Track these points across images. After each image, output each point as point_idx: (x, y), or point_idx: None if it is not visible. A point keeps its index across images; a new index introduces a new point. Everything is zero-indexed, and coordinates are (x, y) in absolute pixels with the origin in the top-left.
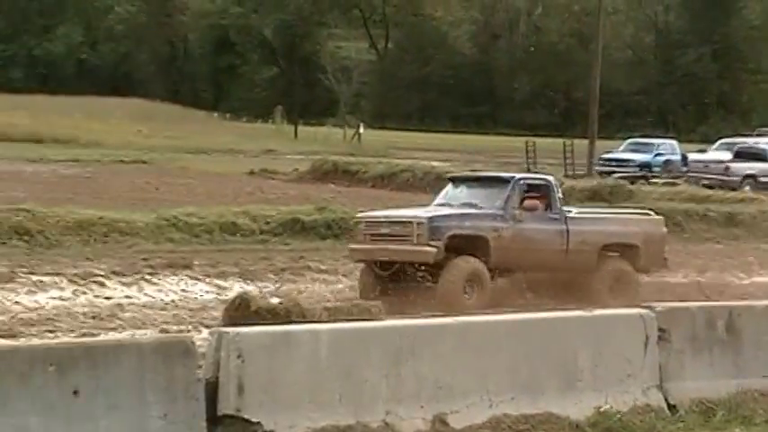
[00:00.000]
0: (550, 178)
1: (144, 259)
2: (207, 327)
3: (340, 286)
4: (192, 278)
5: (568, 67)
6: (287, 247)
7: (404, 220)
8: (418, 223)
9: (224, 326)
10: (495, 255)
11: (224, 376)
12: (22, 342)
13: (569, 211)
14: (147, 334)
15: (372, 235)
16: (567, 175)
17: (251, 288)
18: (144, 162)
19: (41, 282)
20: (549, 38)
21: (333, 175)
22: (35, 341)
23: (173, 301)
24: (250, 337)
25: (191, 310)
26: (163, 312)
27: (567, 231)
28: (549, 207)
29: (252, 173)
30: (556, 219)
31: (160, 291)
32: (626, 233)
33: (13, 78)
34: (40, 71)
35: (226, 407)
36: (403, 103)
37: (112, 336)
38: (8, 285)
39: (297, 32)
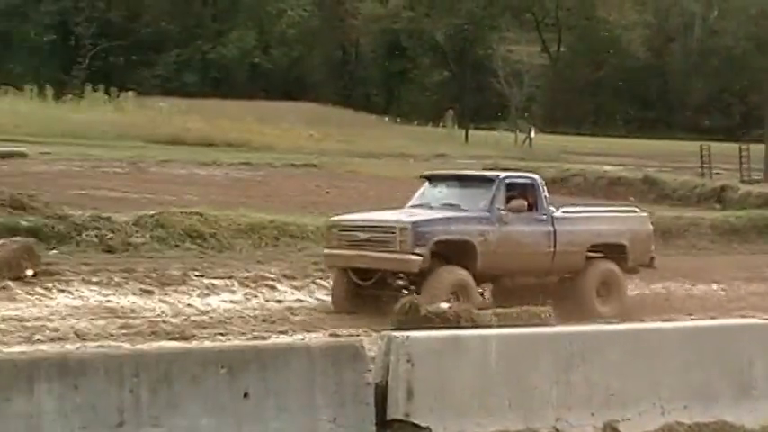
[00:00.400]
0: (536, 177)
1: (314, 263)
2: (376, 331)
3: None
4: None
5: (744, 71)
6: None
7: (385, 225)
8: (401, 229)
9: (393, 330)
10: (482, 260)
11: (393, 380)
12: (194, 344)
13: (555, 211)
14: (317, 337)
15: (349, 240)
16: (743, 181)
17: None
18: (314, 166)
19: (213, 284)
20: (724, 41)
21: None
22: (207, 344)
23: None
24: (419, 341)
25: (358, 314)
26: (333, 316)
27: (554, 232)
28: (535, 207)
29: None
30: (542, 220)
31: (330, 294)
32: (613, 232)
33: (188, 83)
34: (213, 75)
35: (395, 411)
36: (575, 107)
37: (283, 339)
38: (181, 288)
39: (468, 36)
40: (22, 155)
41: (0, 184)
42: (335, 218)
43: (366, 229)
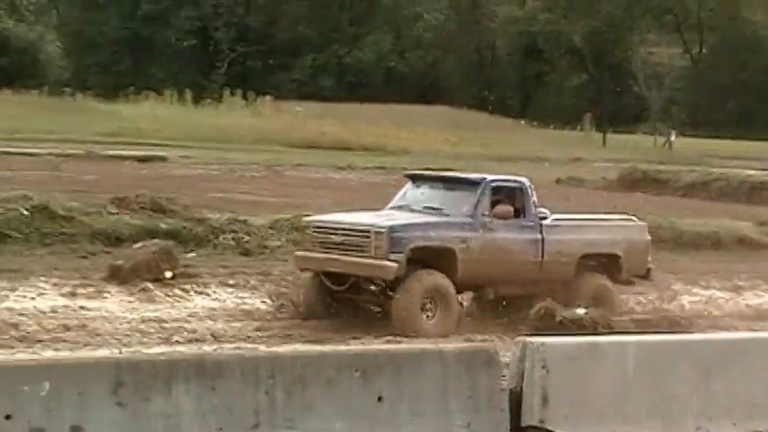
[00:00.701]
0: (524, 180)
1: None
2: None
3: (651, 297)
4: None
5: None
6: None
7: (360, 228)
8: (377, 233)
9: (528, 336)
10: (463, 268)
11: (528, 387)
12: (328, 348)
13: (545, 218)
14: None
15: (323, 243)
16: None
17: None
18: (450, 170)
19: None
20: None
21: (641, 184)
22: (341, 347)
23: None
24: (555, 347)
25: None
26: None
27: (543, 240)
28: (522, 213)
29: (558, 181)
30: (530, 227)
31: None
32: (606, 242)
33: (324, 87)
34: (349, 79)
35: (530, 418)
36: (717, 110)
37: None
38: None
39: (607, 39)
40: (162, 158)
41: (140, 188)
42: (310, 218)
43: (340, 231)
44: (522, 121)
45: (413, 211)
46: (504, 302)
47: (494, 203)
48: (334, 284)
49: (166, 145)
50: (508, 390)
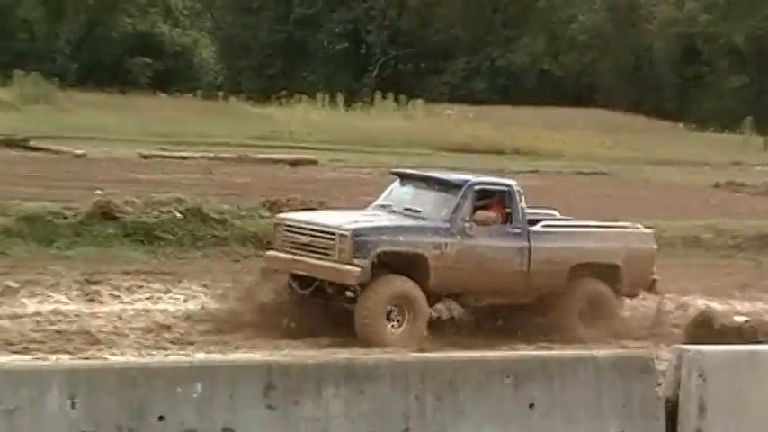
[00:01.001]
0: (512, 183)
1: None
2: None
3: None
4: None
5: None
6: (753, 264)
7: (326, 229)
8: (341, 235)
9: (685, 343)
10: (436, 276)
11: (684, 395)
12: (478, 354)
13: (534, 224)
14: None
15: (292, 243)
16: None
17: (715, 305)
18: (604, 174)
19: None
20: None
21: None
22: (491, 353)
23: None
24: (712, 355)
25: (644, 326)
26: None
27: (529, 249)
28: (509, 219)
29: (717, 185)
30: (516, 234)
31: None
32: (603, 251)
33: (476, 90)
34: (502, 82)
35: (686, 427)
36: None
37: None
38: None
39: None
40: (313, 162)
41: (292, 191)
42: (281, 215)
43: (307, 231)
44: (681, 125)
45: (393, 212)
46: (498, 312)
47: (480, 208)
48: (300, 287)
49: (318, 148)
50: (663, 398)
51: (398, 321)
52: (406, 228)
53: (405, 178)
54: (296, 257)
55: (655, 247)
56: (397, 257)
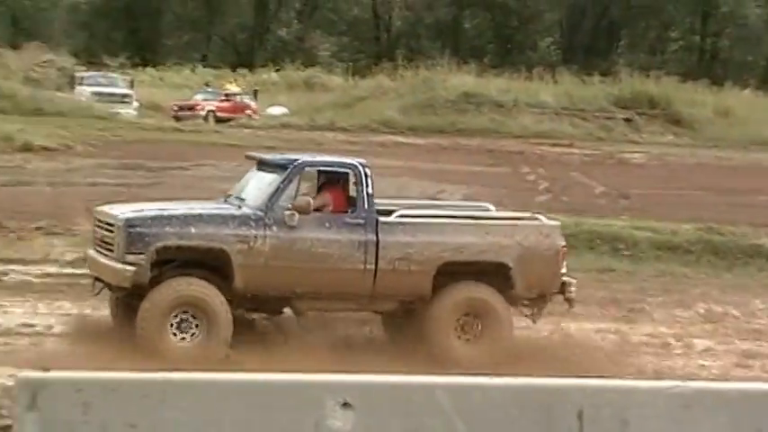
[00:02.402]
0: (356, 164)
1: None
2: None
3: None
4: None
5: None
6: None
7: (108, 221)
8: (117, 227)
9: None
10: (244, 276)
11: None
12: None
13: (388, 213)
14: None
15: (94, 238)
16: None
17: None
18: None
19: None
20: None
21: None
22: None
23: None
24: None
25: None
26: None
27: (376, 243)
28: (351, 207)
29: None
30: (358, 225)
31: None
32: (485, 247)
33: None
34: None
35: None
36: None
37: None
38: None
39: None
40: None
41: None
42: (98, 207)
43: (99, 224)
44: None
45: (226, 200)
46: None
47: (317, 193)
48: (111, 290)
49: None
50: None
51: (187, 333)
52: (200, 217)
53: (254, 161)
54: (93, 256)
55: (561, 243)
56: (190, 253)
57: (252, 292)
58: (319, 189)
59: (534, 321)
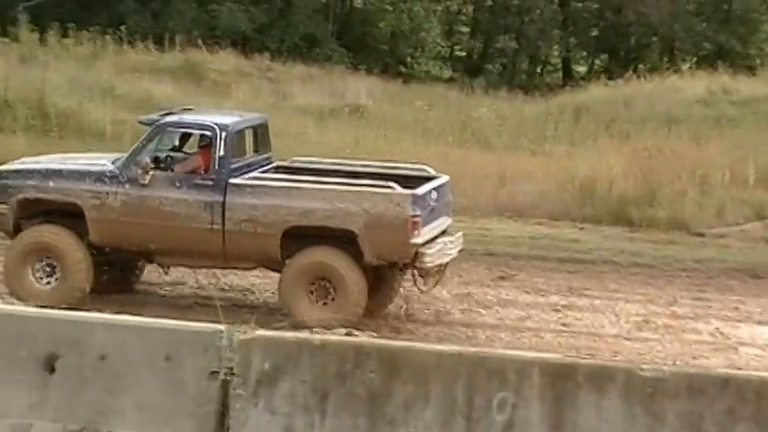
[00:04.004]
0: (216, 125)
1: None
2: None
3: None
4: None
5: None
6: None
7: None
8: None
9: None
10: (98, 230)
11: None
12: None
13: (241, 175)
14: None
15: None
16: None
17: None
18: None
19: None
20: None
21: None
22: None
23: None
24: None
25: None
26: None
27: (223, 205)
28: (206, 168)
29: None
30: (207, 185)
31: None
32: (331, 212)
33: None
34: None
35: None
36: None
37: None
38: None
39: None
40: None
41: None
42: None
43: None
44: None
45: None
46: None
47: (182, 152)
48: None
49: None
50: None
51: (50, 278)
52: (60, 172)
53: None
54: None
55: (410, 212)
56: (48, 206)
57: (107, 245)
58: (181, 148)
59: (422, 292)
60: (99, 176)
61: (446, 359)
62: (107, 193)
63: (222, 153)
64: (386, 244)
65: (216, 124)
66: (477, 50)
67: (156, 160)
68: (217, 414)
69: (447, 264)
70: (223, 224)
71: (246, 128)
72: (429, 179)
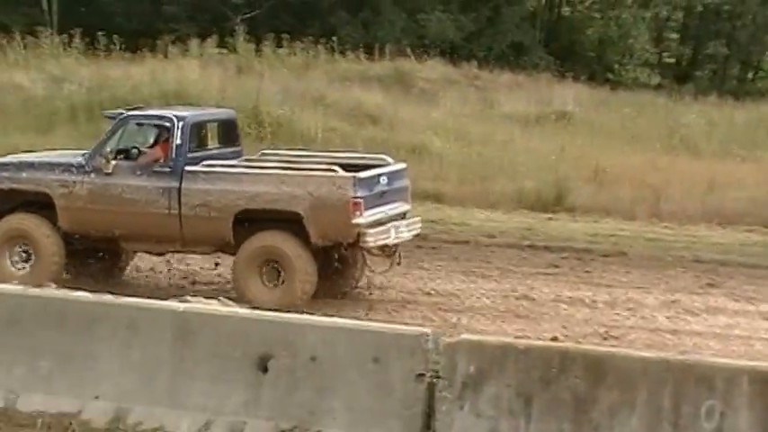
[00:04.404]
0: (173, 116)
1: None
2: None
3: None
4: None
5: None
6: None
7: None
8: None
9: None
10: (66, 217)
11: None
12: None
13: (197, 162)
14: None
15: None
16: None
17: None
18: None
19: None
20: None
21: None
22: None
23: None
24: None
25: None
26: None
27: (179, 190)
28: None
29: None
30: (165, 173)
31: None
32: (277, 196)
33: None
34: None
35: None
36: None
37: None
38: None
39: None
40: None
41: None
42: None
43: None
44: None
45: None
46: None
47: (150, 144)
48: None
49: None
50: None
51: (25, 263)
52: (32, 164)
53: None
54: None
55: (351, 194)
56: (23, 196)
57: (76, 231)
58: (157, 142)
59: (372, 272)
60: (67, 167)
61: (653, 366)
62: (74, 182)
63: (179, 142)
64: (330, 225)
65: (174, 116)
66: (686, 56)
67: (123, 152)
68: (423, 416)
69: (398, 246)
70: (180, 209)
71: (208, 121)
72: (382, 166)
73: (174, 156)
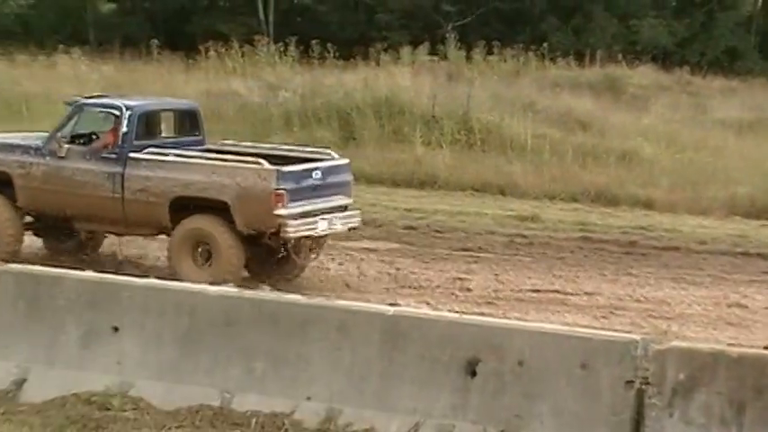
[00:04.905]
0: (122, 105)
1: None
2: None
3: None
4: None
5: None
6: None
7: None
8: None
9: None
10: (23, 196)
11: None
12: None
13: (140, 150)
14: None
15: None
16: None
17: None
18: None
19: None
20: None
21: None
22: None
23: None
24: None
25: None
26: None
27: (122, 176)
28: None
29: None
30: (112, 159)
31: None
32: (208, 185)
33: None
34: None
35: None
36: None
37: None
38: None
39: None
40: None
41: None
42: None
43: None
44: None
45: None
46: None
47: (93, 130)
48: None
49: None
50: None
51: None
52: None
53: None
54: None
55: (273, 186)
56: None
57: (32, 210)
58: (97, 125)
59: (299, 263)
60: (26, 149)
61: None
62: (31, 163)
63: (126, 130)
64: (253, 214)
65: (123, 105)
66: None
67: (80, 136)
68: (632, 422)
69: (325, 237)
70: (123, 193)
71: (161, 111)
72: (319, 161)
73: (120, 143)
